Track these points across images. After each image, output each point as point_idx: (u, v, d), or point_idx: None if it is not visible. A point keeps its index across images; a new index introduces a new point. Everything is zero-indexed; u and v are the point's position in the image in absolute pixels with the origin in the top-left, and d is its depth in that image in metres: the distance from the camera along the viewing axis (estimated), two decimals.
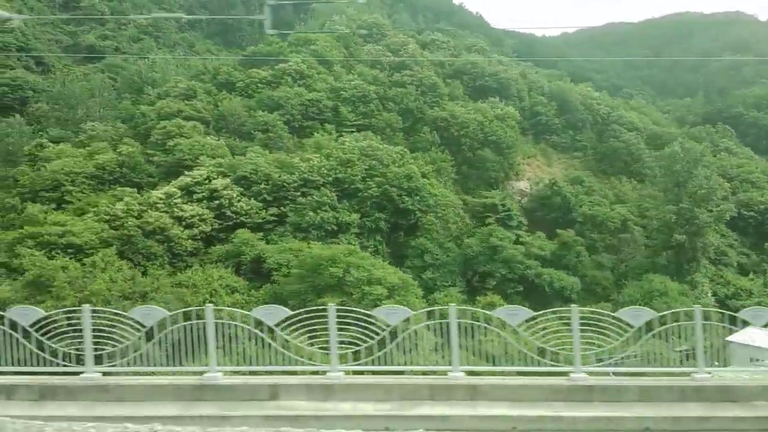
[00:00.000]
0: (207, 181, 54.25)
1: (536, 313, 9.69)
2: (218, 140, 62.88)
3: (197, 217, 51.29)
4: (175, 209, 51.28)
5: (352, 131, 70.63)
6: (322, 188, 55.99)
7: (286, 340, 8.97)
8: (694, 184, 54.24)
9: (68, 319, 8.87)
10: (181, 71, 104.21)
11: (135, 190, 54.84)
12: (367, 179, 58.09)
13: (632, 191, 71.55)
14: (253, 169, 56.28)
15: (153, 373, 8.59)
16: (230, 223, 52.41)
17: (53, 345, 8.36)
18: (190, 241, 49.95)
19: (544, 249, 56.15)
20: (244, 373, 9.18)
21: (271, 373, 8.86)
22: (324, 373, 8.89)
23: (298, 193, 55.85)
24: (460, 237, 59.18)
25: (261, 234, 52.58)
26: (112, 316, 8.80)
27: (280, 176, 56.04)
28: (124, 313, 8.78)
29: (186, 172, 55.47)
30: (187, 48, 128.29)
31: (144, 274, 44.28)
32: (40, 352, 8.36)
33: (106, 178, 57.64)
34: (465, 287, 54.56)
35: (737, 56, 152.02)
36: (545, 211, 65.28)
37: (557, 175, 78.19)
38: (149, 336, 8.57)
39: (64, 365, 8.37)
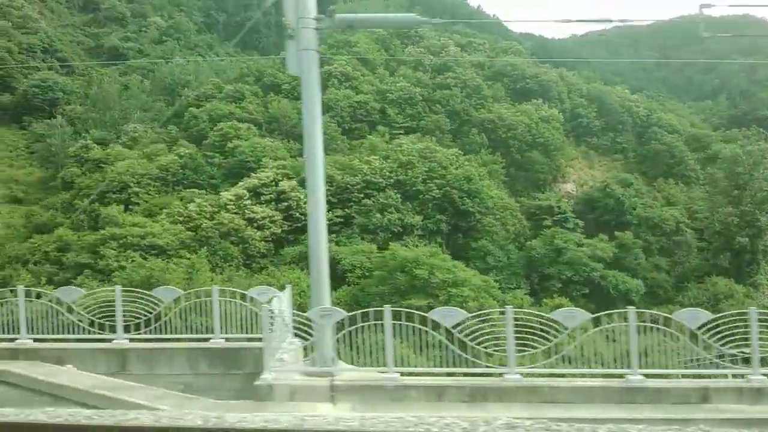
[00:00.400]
0: (273, 183, 54.94)
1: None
2: (274, 142, 63.53)
3: (268, 219, 51.99)
4: (246, 211, 51.96)
5: (400, 133, 71.45)
6: (385, 190, 56.70)
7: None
8: (754, 187, 55.12)
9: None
10: (213, 73, 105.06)
11: (197, 192, 55.57)
12: (428, 181, 58.81)
13: (680, 194, 72.39)
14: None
15: (569, 375, 9.31)
16: (299, 224, 53.05)
17: (475, 346, 9.09)
18: (263, 242, 50.65)
19: (605, 251, 56.93)
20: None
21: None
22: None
23: (362, 195, 56.55)
24: (518, 239, 59.93)
25: (328, 236, 53.18)
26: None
27: (342, 178, 56.73)
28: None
29: (252, 174, 56.15)
30: (207, 50, 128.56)
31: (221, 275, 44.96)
32: (462, 354, 9.08)
33: (169, 179, 58.35)
34: (528, 289, 55.31)
35: (749, 59, 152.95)
36: (598, 212, 66.05)
37: (599, 177, 79.03)
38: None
39: (487, 366, 9.09)
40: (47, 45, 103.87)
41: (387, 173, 58.18)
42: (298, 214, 53.90)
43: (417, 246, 52.61)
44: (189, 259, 44.37)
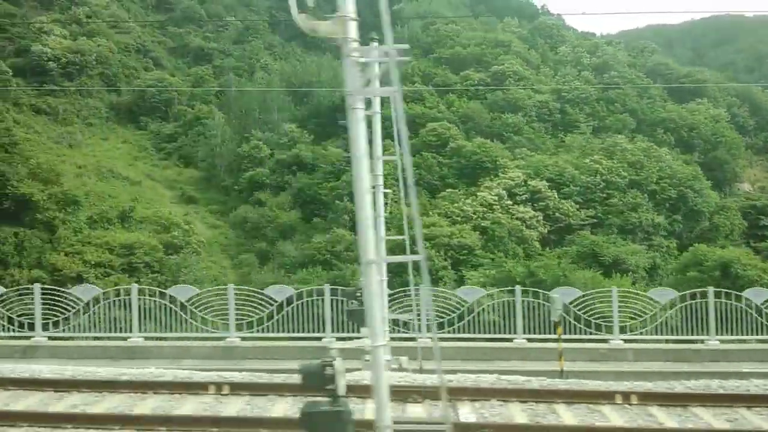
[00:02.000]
0: (524, 183, 55.86)
1: None
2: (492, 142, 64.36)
3: (534, 219, 52.92)
4: (512, 211, 52.84)
5: (582, 133, 72.74)
6: (626, 190, 57.84)
7: None
8: None
9: None
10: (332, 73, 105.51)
11: (447, 192, 56.39)
12: (660, 181, 60.02)
13: None
14: (558, 172, 57.97)
15: None
16: (562, 224, 54.09)
17: None
18: (537, 243, 51.59)
19: None
20: None
21: None
22: None
23: (604, 195, 57.66)
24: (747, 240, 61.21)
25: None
26: None
27: (584, 178, 57.80)
28: None
29: (500, 174, 57.02)
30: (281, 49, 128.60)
31: None
32: None
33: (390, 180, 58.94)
34: None
35: None
36: None
37: (759, 176, 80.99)
38: None
39: None
40: (140, 45, 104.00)
41: (623, 172, 59.28)
42: (558, 214, 54.88)
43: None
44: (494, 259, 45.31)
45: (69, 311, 20.43)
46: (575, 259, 51.12)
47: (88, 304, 20.47)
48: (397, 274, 19.58)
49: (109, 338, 19.78)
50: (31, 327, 20.35)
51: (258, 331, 16.48)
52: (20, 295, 21.18)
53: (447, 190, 56.68)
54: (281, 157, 75.30)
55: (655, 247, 55.52)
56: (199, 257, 45.43)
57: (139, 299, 19.04)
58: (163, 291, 20.43)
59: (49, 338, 20.79)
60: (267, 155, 76.60)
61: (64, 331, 20.67)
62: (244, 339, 17.78)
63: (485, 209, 52.55)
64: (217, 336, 17.93)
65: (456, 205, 53.31)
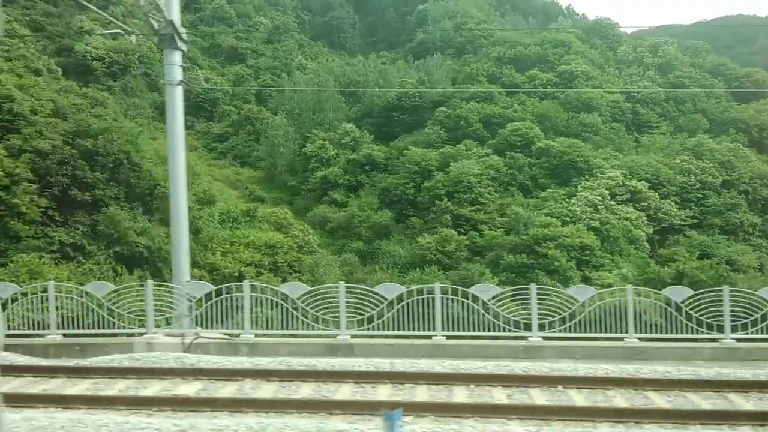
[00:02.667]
0: (622, 183, 56.42)
1: None
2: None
3: (638, 219, 53.47)
4: (617, 211, 53.37)
5: (663, 133, 73.43)
6: (722, 190, 58.52)
7: None
8: None
9: None
10: (377, 73, 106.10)
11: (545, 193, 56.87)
12: (751, 181, 60.72)
13: None
14: (653, 172, 58.57)
15: None
16: (665, 225, 54.68)
17: None
18: (646, 243, 52.15)
19: None
20: None
21: None
22: None
23: (700, 196, 58.30)
24: None
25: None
26: None
27: (680, 178, 58.42)
28: None
29: (597, 174, 57.54)
30: (309, 49, 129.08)
31: None
32: None
33: (501, 179, 59.50)
34: None
35: None
36: None
37: None
38: None
39: None
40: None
41: (714, 173, 59.95)
42: (660, 214, 55.44)
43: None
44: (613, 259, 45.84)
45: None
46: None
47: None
48: None
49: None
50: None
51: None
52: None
53: (547, 190, 57.11)
54: (353, 157, 75.54)
55: (754, 247, 56.18)
56: (323, 256, 45.67)
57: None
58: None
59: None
60: (333, 155, 76.85)
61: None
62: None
63: (591, 209, 53.06)
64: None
65: (561, 205, 53.80)
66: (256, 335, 12.74)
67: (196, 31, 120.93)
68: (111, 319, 12.41)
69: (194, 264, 36.60)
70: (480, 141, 68.44)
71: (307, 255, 46.18)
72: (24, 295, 13.53)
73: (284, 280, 37.08)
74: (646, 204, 55.50)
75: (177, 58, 14.59)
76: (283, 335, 13.61)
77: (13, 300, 13.42)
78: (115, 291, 13.07)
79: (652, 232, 54.12)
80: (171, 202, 16.51)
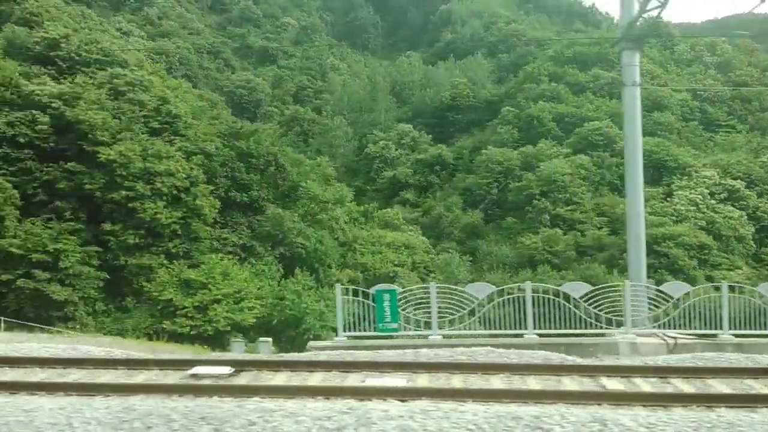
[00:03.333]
0: (719, 182, 57.15)
1: None
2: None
3: (741, 218, 54.17)
4: (719, 210, 54.08)
5: (739, 132, 74.43)
6: None
7: None
8: None
9: None
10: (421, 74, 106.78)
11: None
12: None
13: None
14: (745, 171, 59.34)
15: None
16: (765, 224, 55.41)
17: None
18: (752, 242, 52.91)
19: None
20: None
21: None
22: None
23: None
24: None
25: None
26: None
27: None
28: None
29: (692, 173, 58.27)
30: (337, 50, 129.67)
31: None
32: None
33: (592, 179, 60.14)
34: None
35: None
36: None
37: None
38: None
39: None
40: (211, 46, 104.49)
41: None
42: (759, 213, 56.16)
43: None
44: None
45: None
46: None
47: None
48: None
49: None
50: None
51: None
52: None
53: (645, 189, 57.67)
54: (420, 157, 76.05)
55: None
56: (452, 256, 46.12)
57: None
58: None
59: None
60: (397, 155, 77.36)
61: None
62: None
63: (694, 208, 53.77)
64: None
65: (661, 204, 54.47)
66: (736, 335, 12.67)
67: (225, 32, 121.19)
68: (588, 319, 12.61)
69: (345, 264, 37.07)
70: (556, 140, 69.06)
71: (435, 255, 46.61)
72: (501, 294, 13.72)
73: (423, 280, 37.53)
74: (745, 203, 56.19)
75: (635, 58, 14.96)
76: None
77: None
78: (592, 291, 13.08)
79: (753, 231, 54.82)
80: (627, 204, 16.81)
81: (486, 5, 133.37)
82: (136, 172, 29.58)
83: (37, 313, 25.70)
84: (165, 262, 29.72)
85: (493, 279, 47.48)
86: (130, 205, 29.11)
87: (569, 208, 56.93)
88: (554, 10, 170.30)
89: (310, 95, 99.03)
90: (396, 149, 78.83)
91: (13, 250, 25.49)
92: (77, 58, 36.97)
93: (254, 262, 32.75)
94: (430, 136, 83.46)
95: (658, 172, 61.30)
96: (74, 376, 7.96)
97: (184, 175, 30.87)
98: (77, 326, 26.53)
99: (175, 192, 30.39)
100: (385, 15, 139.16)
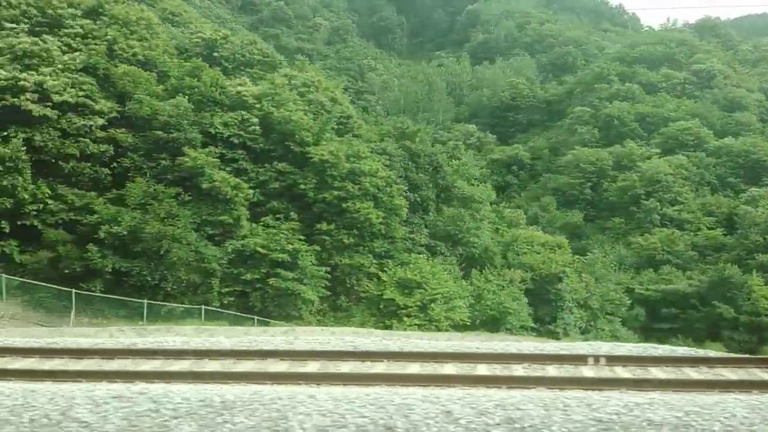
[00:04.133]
0: None
1: None
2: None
3: None
4: None
5: None
6: None
7: None
8: None
9: None
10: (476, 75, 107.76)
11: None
12: None
13: None
14: None
15: None
16: None
17: None
18: None
19: None
20: None
21: None
22: None
23: None
24: None
25: None
26: None
27: None
28: None
29: None
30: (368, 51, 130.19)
31: None
32: None
33: (692, 179, 61.19)
34: None
35: None
36: None
37: None
38: None
39: None
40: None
41: None
42: None
43: None
44: None
45: None
46: None
47: None
48: None
49: None
50: None
51: None
52: None
53: (750, 189, 58.67)
54: (496, 157, 76.90)
55: None
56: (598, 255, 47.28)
57: None
58: None
59: None
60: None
61: None
62: None
63: None
64: None
65: None
66: None
67: (258, 32, 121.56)
68: None
69: (507, 264, 37.76)
70: (641, 140, 70.08)
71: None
72: None
73: (560, 280, 38.33)
74: None
75: None
76: None
77: None
78: None
79: None
80: None
81: (515, 5, 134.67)
82: (344, 172, 30.17)
83: (281, 311, 26.26)
84: (374, 261, 30.33)
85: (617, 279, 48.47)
86: (344, 205, 29.68)
87: (676, 208, 57.89)
88: (581, 10, 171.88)
89: (353, 96, 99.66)
90: (465, 149, 79.60)
91: (259, 249, 26.01)
92: (242, 58, 37.50)
93: (442, 262, 33.39)
94: (495, 136, 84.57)
95: (755, 171, 62.43)
96: None
97: (383, 175, 31.48)
98: (302, 324, 27.09)
99: (375, 192, 31.00)
100: (409, 15, 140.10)
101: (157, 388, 6.91)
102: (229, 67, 37.08)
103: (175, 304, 24.60)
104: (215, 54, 37.53)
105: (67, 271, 22.90)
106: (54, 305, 23.08)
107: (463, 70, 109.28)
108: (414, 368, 8.15)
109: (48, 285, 21.95)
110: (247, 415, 6.09)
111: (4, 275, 21.44)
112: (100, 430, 5.92)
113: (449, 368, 8.19)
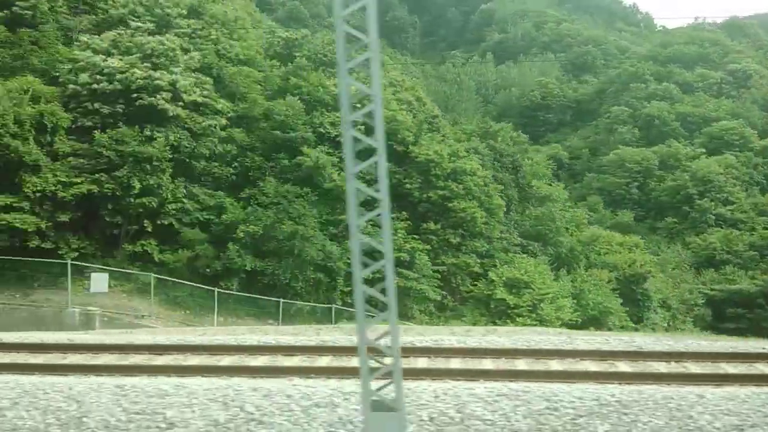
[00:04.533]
0: None
1: None
2: None
3: None
4: None
5: None
6: None
7: None
8: None
9: None
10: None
11: None
12: None
13: None
14: None
15: None
16: None
17: None
18: None
19: None
20: None
21: None
22: None
23: None
24: None
25: None
26: None
27: None
28: None
29: None
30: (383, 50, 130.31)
31: None
32: None
33: (742, 179, 61.66)
34: None
35: None
36: None
37: None
38: None
39: None
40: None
41: None
42: None
43: None
44: None
45: None
46: None
47: None
48: None
49: None
50: None
51: None
52: None
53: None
54: (531, 157, 77.16)
55: None
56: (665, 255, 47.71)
57: None
58: None
59: None
60: None
61: None
62: None
63: None
64: None
65: None
66: None
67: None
68: None
69: (590, 264, 38.05)
70: (684, 140, 70.51)
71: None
72: None
73: (645, 279, 38.76)
74: None
75: None
76: None
77: None
78: None
79: None
80: None
81: (530, 5, 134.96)
82: (447, 172, 30.41)
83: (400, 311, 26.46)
84: (478, 261, 30.57)
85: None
86: (449, 204, 29.92)
87: (729, 207, 58.29)
88: (595, 9, 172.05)
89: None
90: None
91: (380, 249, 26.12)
92: (324, 58, 37.67)
93: (539, 262, 33.63)
94: (528, 135, 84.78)
95: None
96: None
97: (481, 174, 31.74)
98: (413, 324, 27.31)
99: (476, 192, 31.25)
100: (422, 15, 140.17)
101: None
102: (311, 66, 37.17)
103: (303, 303, 24.82)
104: (296, 54, 37.64)
105: (207, 270, 23.08)
106: (191, 304, 23.28)
107: (488, 69, 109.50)
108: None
109: (194, 284, 22.12)
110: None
111: (153, 275, 21.61)
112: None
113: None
